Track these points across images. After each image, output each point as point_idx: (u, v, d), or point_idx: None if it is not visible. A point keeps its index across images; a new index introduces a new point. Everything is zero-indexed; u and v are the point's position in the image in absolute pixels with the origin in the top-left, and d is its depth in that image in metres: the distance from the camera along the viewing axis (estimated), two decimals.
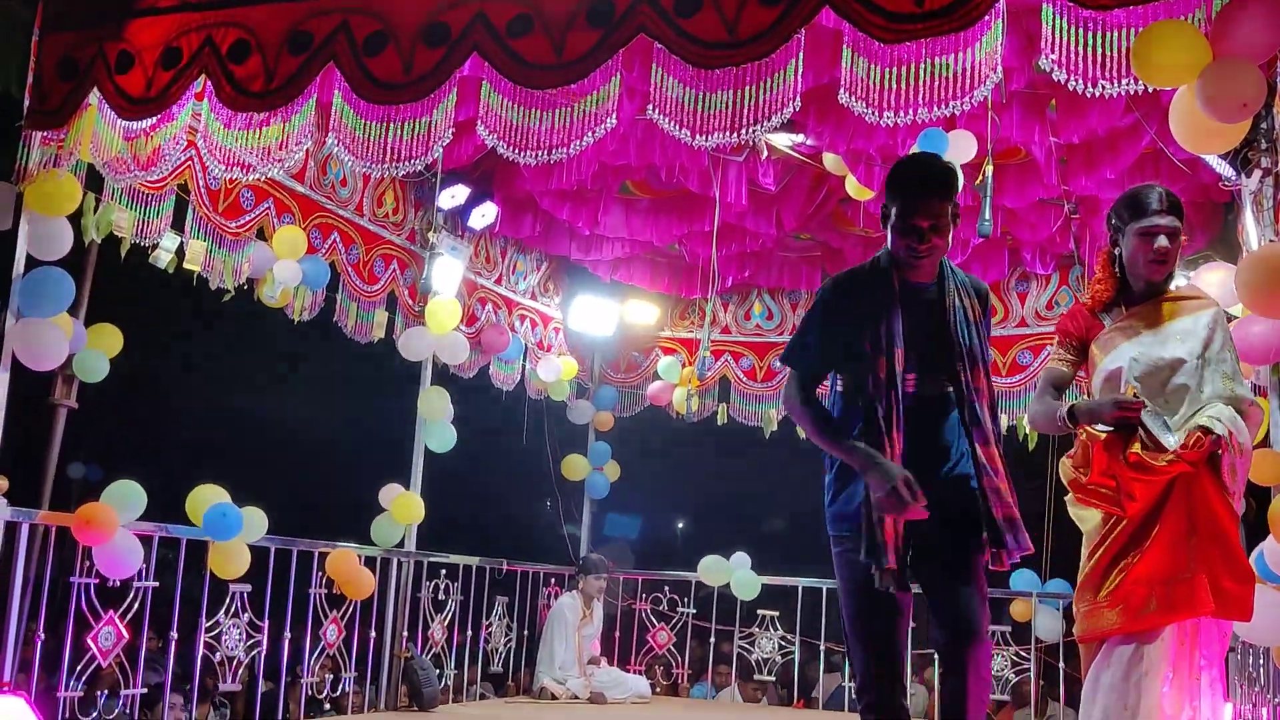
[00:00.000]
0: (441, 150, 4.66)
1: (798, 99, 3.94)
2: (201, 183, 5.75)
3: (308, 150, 4.95)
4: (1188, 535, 3.52)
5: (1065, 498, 3.86)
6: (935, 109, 3.83)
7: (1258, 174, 5.16)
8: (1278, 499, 3.85)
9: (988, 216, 5.41)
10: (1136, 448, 3.50)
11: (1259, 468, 5.01)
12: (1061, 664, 8.02)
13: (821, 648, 8.81)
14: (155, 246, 5.68)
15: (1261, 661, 5.46)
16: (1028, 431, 8.16)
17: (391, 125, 4.46)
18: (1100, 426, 3.59)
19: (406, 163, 4.49)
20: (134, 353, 5.60)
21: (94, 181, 5.23)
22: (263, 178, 5.42)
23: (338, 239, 6.75)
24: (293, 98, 4.55)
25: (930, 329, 3.55)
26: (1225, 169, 5.55)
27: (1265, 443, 5.26)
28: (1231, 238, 6.34)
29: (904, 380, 3.49)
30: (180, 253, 5.81)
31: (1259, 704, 5.64)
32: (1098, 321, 3.83)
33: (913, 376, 3.53)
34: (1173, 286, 3.87)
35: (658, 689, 8.79)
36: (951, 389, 3.55)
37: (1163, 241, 3.70)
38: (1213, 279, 5.64)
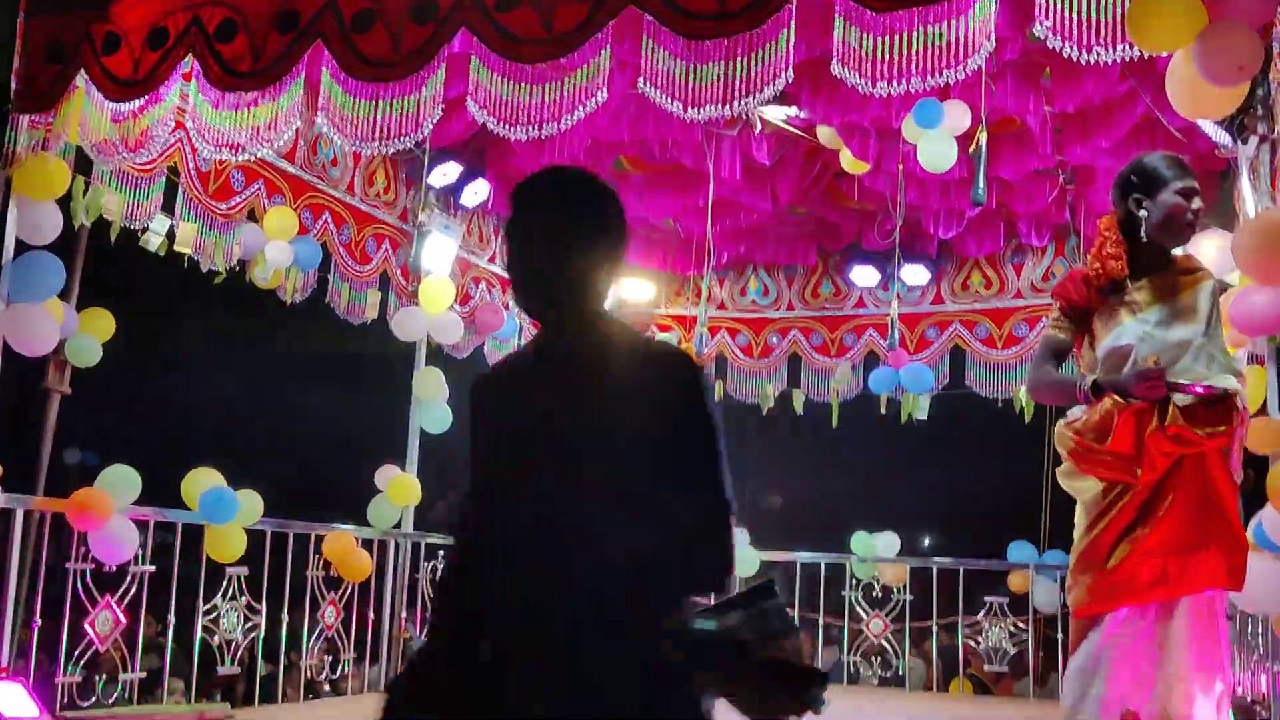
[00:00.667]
0: (432, 128, 4.62)
1: (790, 70, 3.91)
2: (191, 164, 5.71)
3: (297, 130, 4.91)
4: (1201, 507, 3.49)
5: (1060, 467, 3.81)
6: (928, 78, 3.80)
7: (1254, 140, 5.14)
8: (1276, 468, 3.83)
9: (981, 186, 5.39)
10: (1177, 419, 3.46)
11: (1258, 436, 5.01)
12: (1060, 635, 8.04)
13: (820, 622, 8.81)
14: (145, 229, 5.64)
15: (1261, 630, 5.47)
16: (1024, 403, 8.16)
17: (381, 103, 4.43)
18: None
19: (396, 140, 4.46)
20: (126, 337, 5.57)
21: (83, 164, 5.20)
22: (252, 158, 5.39)
23: (329, 219, 6.71)
24: (281, 77, 4.51)
25: None
26: (1221, 136, 5.52)
27: (1262, 411, 5.27)
28: (1228, 205, 6.32)
29: None
30: (171, 235, 5.78)
31: (1258, 672, 5.66)
32: (1100, 294, 3.74)
33: None
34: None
35: None
36: None
37: (1198, 202, 3.66)
38: (1210, 247, 5.61)
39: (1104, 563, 3.52)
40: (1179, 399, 3.45)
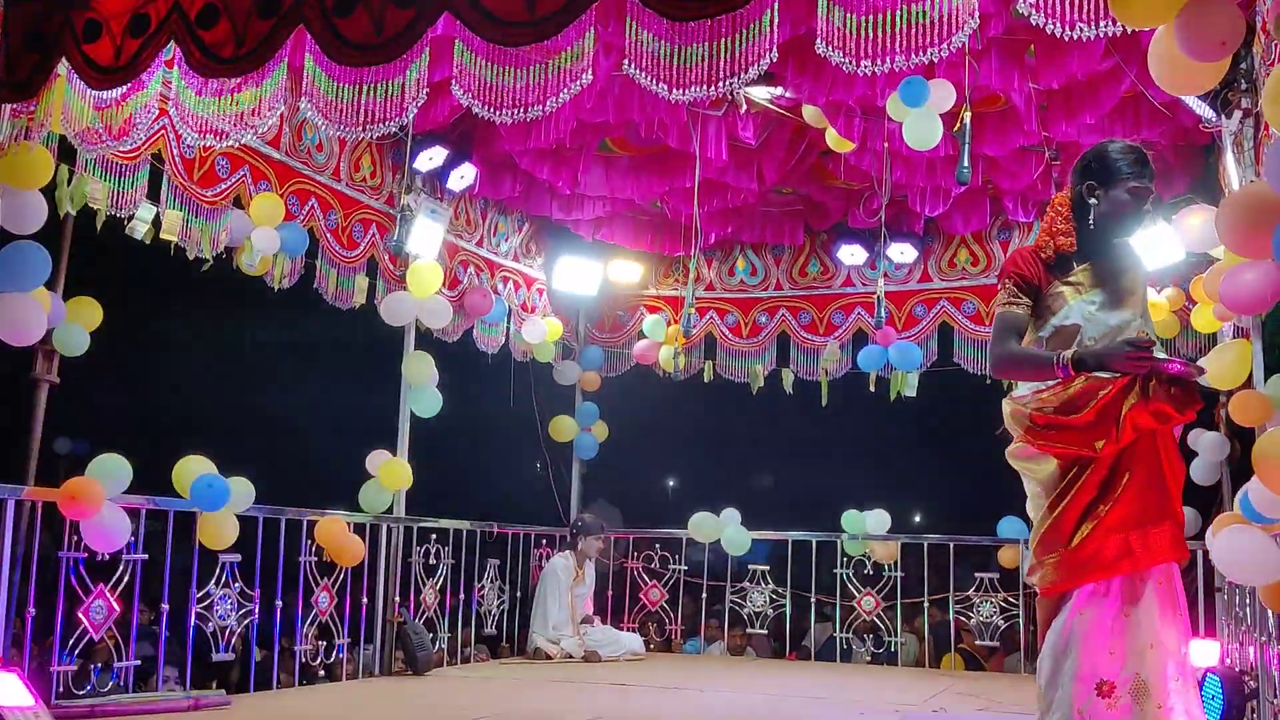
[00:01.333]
0: (416, 112, 4.60)
1: (774, 50, 3.90)
2: (175, 151, 5.69)
3: (282, 115, 4.90)
4: (1156, 483, 3.60)
5: (1010, 447, 3.82)
6: (913, 56, 3.79)
7: (1238, 115, 5.16)
8: (1260, 440, 3.86)
9: (966, 164, 5.40)
10: (1160, 395, 3.51)
11: (1243, 409, 5.05)
12: None
13: (812, 600, 8.86)
14: (131, 218, 5.62)
15: (1249, 601, 5.51)
16: (1011, 380, 8.17)
17: (365, 87, 4.40)
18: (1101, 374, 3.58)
19: (381, 125, 4.43)
20: (114, 325, 5.55)
21: (66, 153, 5.17)
22: (237, 145, 5.36)
23: (315, 205, 6.70)
24: (263, 62, 4.48)
25: None
26: (1205, 111, 5.54)
27: (1247, 384, 5.30)
28: (1212, 180, 6.35)
29: None
30: (157, 223, 5.75)
31: (1246, 642, 5.71)
32: (1047, 270, 3.81)
33: None
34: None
35: (651, 646, 8.85)
36: None
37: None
38: (1194, 222, 5.65)
39: (1068, 542, 3.59)
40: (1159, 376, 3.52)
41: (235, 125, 4.67)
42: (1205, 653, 6.26)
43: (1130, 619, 3.54)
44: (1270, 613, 4.76)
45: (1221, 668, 5.60)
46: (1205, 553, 5.49)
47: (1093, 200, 3.80)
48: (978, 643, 8.44)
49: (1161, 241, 6.92)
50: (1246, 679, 5.38)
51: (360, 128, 4.44)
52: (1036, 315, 3.80)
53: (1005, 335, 3.77)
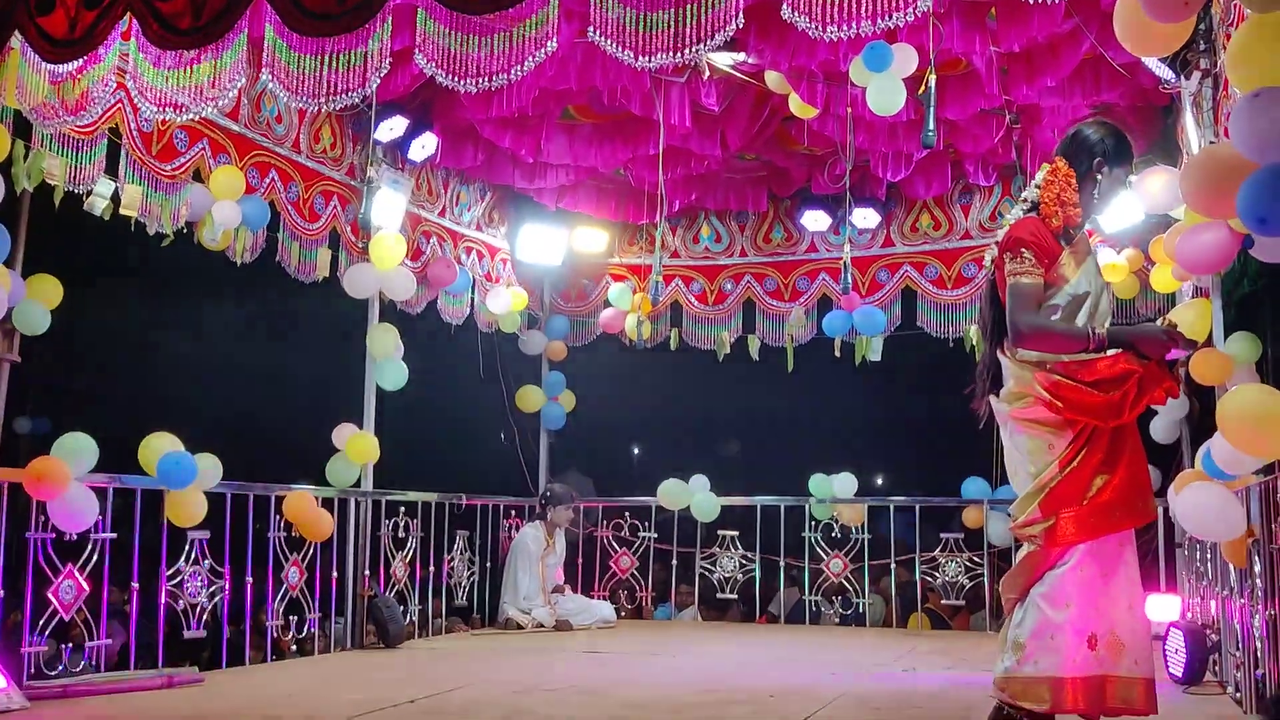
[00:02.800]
0: (378, 81, 4.56)
1: (740, 16, 3.90)
2: (133, 125, 5.61)
3: (240, 87, 4.83)
4: (1141, 452, 3.78)
5: (1020, 406, 3.81)
6: (879, 21, 3.80)
7: (1197, 76, 5.21)
8: (1224, 399, 3.93)
9: (931, 128, 5.42)
10: (1180, 378, 3.78)
11: (1204, 368, 5.13)
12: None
13: (781, 564, 8.95)
14: (90, 193, 5.53)
15: (1210, 556, 5.62)
16: (975, 341, 8.27)
17: (327, 58, 4.36)
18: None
19: (344, 96, 4.40)
20: (75, 303, 5.48)
21: (22, 128, 5.08)
22: (197, 118, 5.28)
23: (276, 177, 6.63)
24: (223, 33, 4.42)
25: None
26: (1165, 72, 5.59)
27: (1208, 344, 5.38)
28: (1171, 141, 6.42)
29: None
30: (116, 198, 5.67)
31: (1207, 597, 5.83)
32: (1056, 241, 3.86)
33: None
34: None
35: (622, 613, 8.90)
36: None
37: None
38: (1154, 183, 5.71)
39: (1082, 498, 3.68)
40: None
41: (194, 98, 4.62)
42: (1167, 607, 6.39)
43: (1112, 579, 3.68)
44: (1231, 567, 4.86)
45: (1184, 622, 5.71)
46: (1166, 509, 5.58)
47: (1099, 176, 3.88)
48: (943, 602, 8.55)
49: (1121, 203, 6.99)
50: (1209, 632, 5.49)
51: (324, 99, 4.40)
52: (1047, 284, 3.82)
53: (1029, 305, 3.76)
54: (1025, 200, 3.99)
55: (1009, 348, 3.83)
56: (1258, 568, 4.21)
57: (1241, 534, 4.40)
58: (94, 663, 5.33)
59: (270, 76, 4.50)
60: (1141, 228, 6.70)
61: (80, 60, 4.66)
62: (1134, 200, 6.59)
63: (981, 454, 8.37)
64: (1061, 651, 3.62)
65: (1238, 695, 4.85)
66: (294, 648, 6.85)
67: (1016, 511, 3.81)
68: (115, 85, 4.89)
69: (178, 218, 5.99)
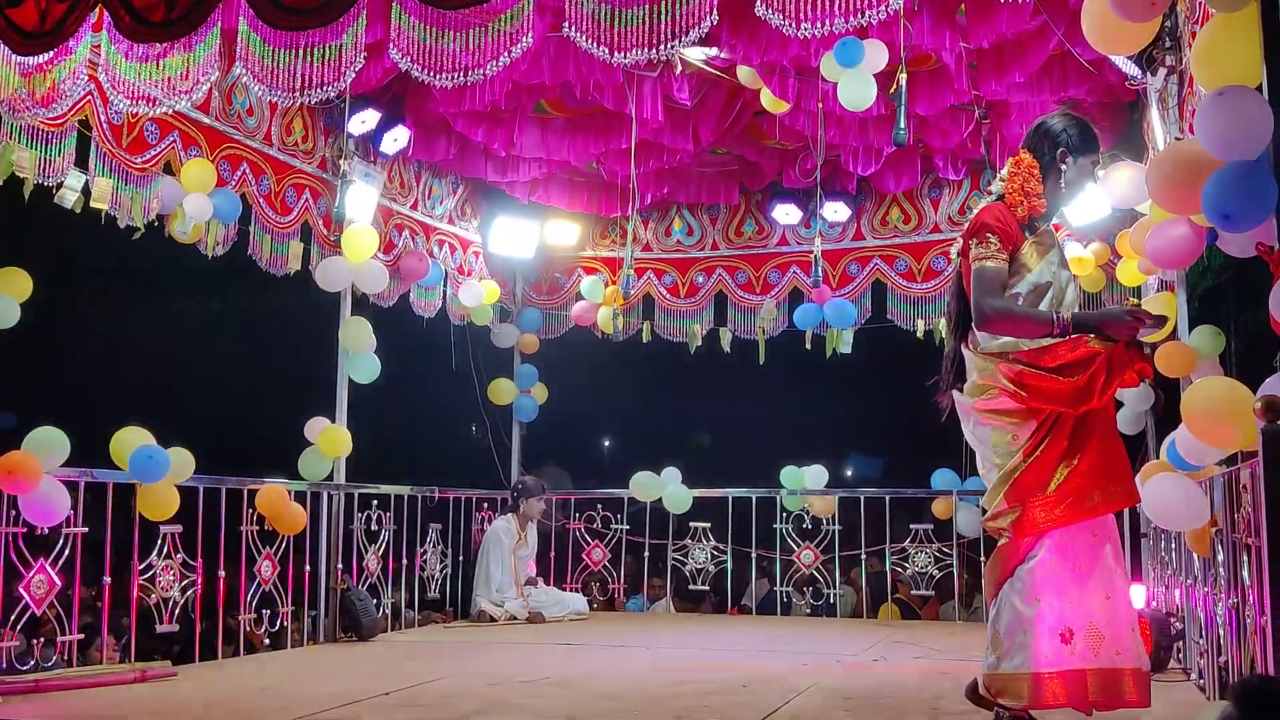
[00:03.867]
0: (353, 75, 4.56)
1: (715, 12, 3.93)
2: (103, 118, 5.57)
3: (213, 80, 4.81)
4: (1112, 438, 3.81)
5: (985, 398, 3.83)
6: (851, 18, 3.84)
7: (1162, 72, 5.28)
8: (1188, 391, 3.99)
9: (903, 125, 5.46)
10: (1149, 359, 3.78)
11: (1169, 360, 5.21)
12: (983, 558, 8.31)
13: (753, 555, 9.00)
14: (60, 186, 5.50)
15: (1173, 545, 5.71)
16: (943, 335, 8.33)
17: (301, 51, 4.36)
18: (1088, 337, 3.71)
19: (319, 90, 4.40)
20: (45, 296, 5.45)
21: None
22: (170, 111, 5.26)
23: (247, 170, 6.60)
24: (195, 26, 4.41)
25: None
26: (1131, 68, 5.66)
27: (1173, 336, 5.47)
28: (1137, 136, 6.50)
29: None
30: (86, 191, 5.64)
31: (1171, 585, 5.92)
32: (1020, 230, 3.90)
33: None
34: None
35: (595, 605, 8.93)
36: None
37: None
38: (1121, 178, 5.78)
39: (1047, 486, 3.71)
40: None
41: (167, 91, 4.61)
42: (1132, 596, 6.47)
43: (1086, 569, 3.69)
44: (1195, 556, 4.94)
45: (1148, 610, 5.80)
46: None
47: (1063, 166, 3.92)
48: (913, 592, 8.63)
49: (1088, 197, 7.07)
50: (1172, 621, 5.58)
51: (297, 92, 4.40)
52: (1010, 272, 3.84)
53: (993, 288, 3.77)
54: (991, 193, 4.02)
55: (972, 340, 3.86)
56: (1221, 557, 4.28)
57: (1205, 524, 4.48)
58: (65, 657, 5.31)
59: (244, 69, 4.49)
60: (1108, 222, 6.78)
61: (50, 53, 4.64)
62: (1100, 195, 6.69)
63: (951, 446, 8.46)
64: (1031, 646, 3.63)
65: (1201, 682, 4.94)
66: (267, 641, 6.84)
67: (986, 504, 3.86)
68: (87, 78, 4.87)
69: (148, 211, 5.96)
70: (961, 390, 3.92)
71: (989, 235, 3.81)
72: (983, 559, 8.28)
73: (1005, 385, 3.74)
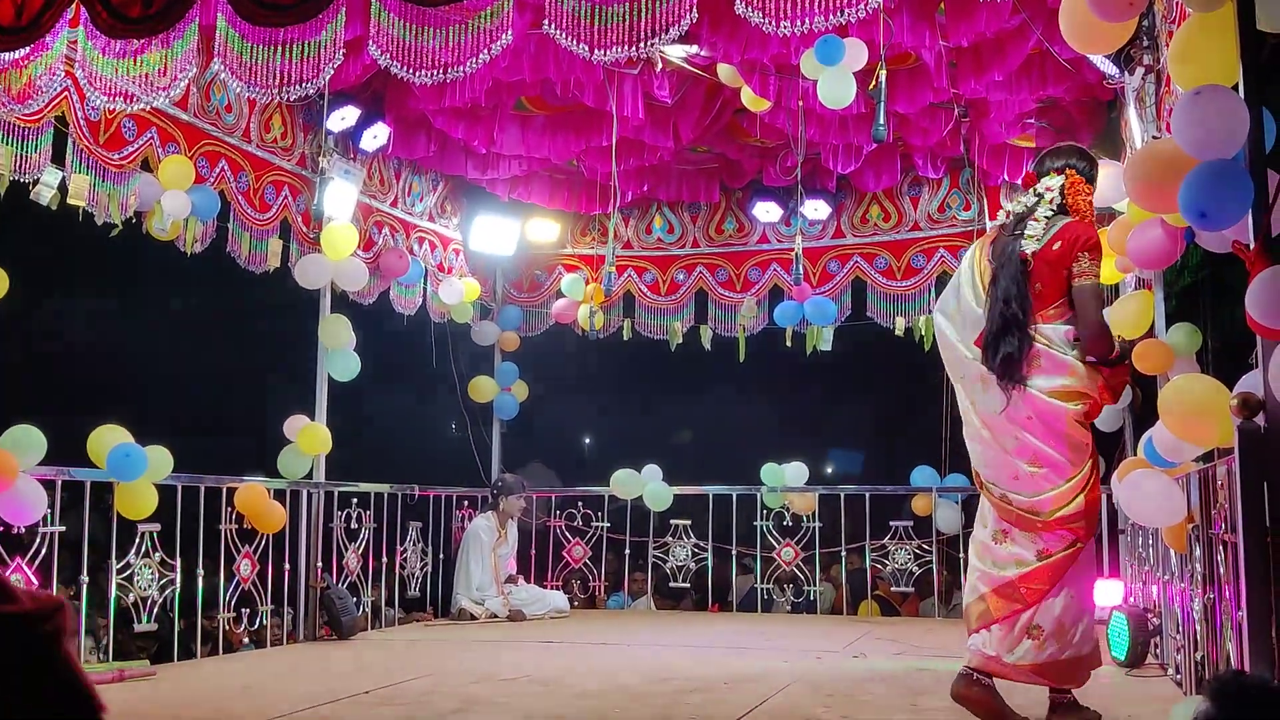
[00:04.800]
0: (332, 72, 4.54)
1: (694, 10, 3.93)
2: (80, 114, 5.53)
3: (190, 76, 4.79)
4: None
5: (1073, 407, 3.97)
6: (831, 17, 3.85)
7: (1140, 71, 5.30)
8: (1165, 388, 4.02)
9: (882, 122, 5.48)
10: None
11: (1146, 357, 5.24)
12: (962, 554, 8.34)
13: (733, 552, 9.02)
14: (36, 183, 5.47)
15: (1151, 542, 5.74)
16: (924, 332, 8.40)
17: (280, 48, 4.34)
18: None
19: (298, 86, 4.39)
20: (22, 294, 5.40)
21: None
22: (147, 107, 5.23)
23: (226, 167, 6.57)
24: (173, 22, 4.39)
25: None
26: (1109, 67, 5.69)
27: (1150, 333, 5.50)
28: (1115, 135, 6.53)
29: None
30: (63, 188, 5.60)
31: (1148, 581, 5.96)
32: None
33: None
34: None
35: (575, 603, 8.93)
36: None
37: None
38: (1100, 176, 5.80)
39: (1099, 493, 4.20)
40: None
41: (144, 88, 4.58)
42: (1110, 592, 6.52)
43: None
44: (1172, 552, 4.97)
45: (1126, 606, 5.84)
46: (1110, 496, 5.70)
47: (1092, 186, 4.28)
48: (893, 589, 8.66)
49: None
50: (1150, 616, 5.62)
51: (276, 89, 4.38)
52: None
53: (1101, 304, 4.06)
54: (1045, 203, 4.14)
55: (1081, 349, 3.98)
56: (1197, 553, 4.31)
57: (1182, 520, 4.50)
58: None
59: (222, 66, 4.47)
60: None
61: (27, 48, 4.60)
62: None
63: (928, 444, 8.50)
64: (1094, 635, 4.13)
65: (1178, 677, 4.97)
66: (247, 640, 6.81)
67: (1055, 505, 3.96)
68: (63, 74, 4.84)
69: (126, 208, 5.93)
70: (1043, 392, 3.97)
71: (1099, 255, 4.01)
72: (961, 556, 8.32)
73: (1097, 395, 3.98)
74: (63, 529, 5.33)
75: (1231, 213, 3.10)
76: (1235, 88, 3.16)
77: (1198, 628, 4.37)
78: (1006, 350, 3.96)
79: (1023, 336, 3.96)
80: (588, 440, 16.89)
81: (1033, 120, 7.09)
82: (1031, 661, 3.94)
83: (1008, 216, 4.29)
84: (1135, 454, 5.24)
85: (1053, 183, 4.14)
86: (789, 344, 8.80)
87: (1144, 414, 6.42)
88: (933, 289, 8.50)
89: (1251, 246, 3.08)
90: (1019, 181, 7.66)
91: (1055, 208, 4.10)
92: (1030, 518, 4.00)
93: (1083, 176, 4.16)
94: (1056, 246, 4.00)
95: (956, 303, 4.21)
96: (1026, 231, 4.06)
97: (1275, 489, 2.98)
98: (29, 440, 5.01)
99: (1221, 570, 3.78)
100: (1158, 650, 5.65)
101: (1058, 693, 4.06)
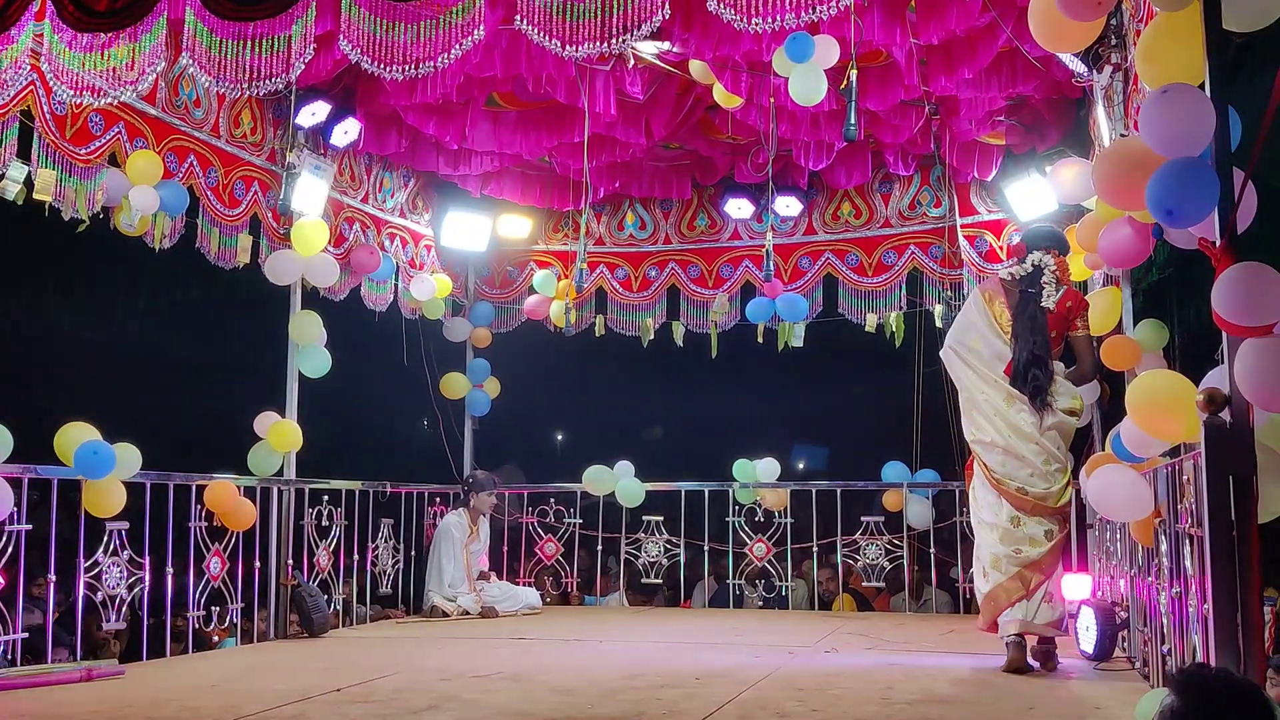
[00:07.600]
0: (302, 67, 4.51)
1: (665, 6, 3.93)
2: (46, 108, 5.47)
3: (159, 71, 4.74)
4: None
5: (1077, 421, 5.45)
6: (803, 14, 3.86)
7: (1108, 69, 5.35)
8: (1132, 384, 4.05)
9: (853, 120, 5.50)
10: None
11: (1114, 353, 5.29)
12: (933, 549, 8.40)
13: (705, 548, 9.03)
14: (2, 177, 5.40)
15: (1119, 536, 5.80)
16: (894, 328, 8.44)
17: (250, 42, 4.31)
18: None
19: (268, 81, 4.36)
20: None
21: None
22: (115, 102, 5.18)
23: (194, 162, 6.52)
24: (141, 16, 4.36)
25: None
26: (1077, 65, 5.73)
27: (1118, 330, 5.55)
28: (1084, 133, 6.58)
29: None
30: (29, 183, 5.54)
31: (1116, 575, 6.01)
32: None
33: None
34: None
35: (548, 599, 8.92)
36: None
37: None
38: (1068, 174, 5.86)
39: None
40: None
41: (112, 82, 4.54)
42: (1078, 586, 6.57)
43: None
44: (1140, 546, 5.02)
45: (1094, 600, 5.89)
46: (1078, 491, 5.75)
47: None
48: (865, 584, 8.70)
49: (1036, 192, 7.17)
50: (1118, 610, 5.67)
51: (246, 84, 4.35)
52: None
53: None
54: (1050, 272, 5.46)
55: (1075, 379, 5.43)
56: (1164, 547, 4.35)
57: (1149, 514, 4.55)
58: (10, 656, 5.23)
59: (190, 60, 4.43)
60: (1054, 217, 6.86)
61: None
62: (1048, 190, 6.77)
63: (899, 439, 8.54)
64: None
65: (1145, 670, 5.02)
66: (217, 638, 6.77)
67: (1059, 498, 5.26)
68: (29, 67, 4.79)
69: (93, 203, 5.87)
70: (1059, 410, 5.29)
71: (1086, 315, 5.48)
72: (932, 551, 8.38)
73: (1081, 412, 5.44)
74: (29, 527, 5.27)
75: (1198, 210, 3.13)
76: (1202, 86, 3.19)
77: (1164, 621, 4.42)
78: (1035, 381, 5.26)
79: (1046, 370, 5.29)
80: (560, 436, 16.87)
81: (1003, 118, 7.13)
82: (1047, 620, 5.22)
83: (1010, 277, 5.50)
84: (1104, 449, 5.29)
85: (1047, 260, 5.46)
86: (761, 340, 8.82)
87: (1112, 410, 6.49)
88: (903, 285, 8.55)
89: (1217, 243, 3.11)
90: (989, 179, 7.72)
91: (1055, 278, 5.43)
92: (1042, 504, 5.23)
93: (1064, 256, 5.55)
94: (1069, 305, 5.41)
95: (980, 341, 5.44)
96: (1044, 294, 5.38)
97: (1240, 483, 3.02)
98: None
99: (1188, 564, 3.82)
100: (1125, 644, 5.71)
101: (1048, 641, 5.34)
